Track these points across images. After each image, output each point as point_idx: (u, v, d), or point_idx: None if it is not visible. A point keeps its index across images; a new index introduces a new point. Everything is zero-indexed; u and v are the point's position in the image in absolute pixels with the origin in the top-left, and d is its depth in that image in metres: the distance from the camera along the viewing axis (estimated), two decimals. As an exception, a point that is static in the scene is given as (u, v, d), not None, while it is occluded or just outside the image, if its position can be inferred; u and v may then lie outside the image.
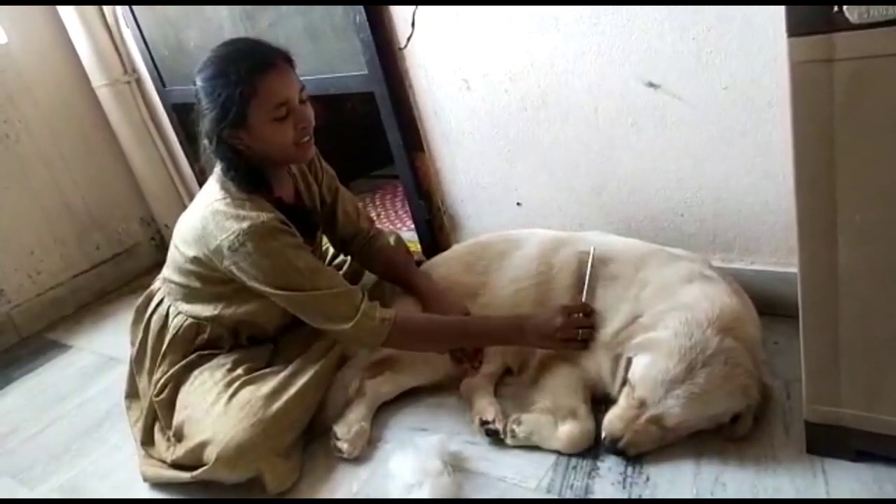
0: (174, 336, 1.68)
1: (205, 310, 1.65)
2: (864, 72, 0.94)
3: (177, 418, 1.60)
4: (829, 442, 1.26)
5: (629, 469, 1.36)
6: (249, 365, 1.65)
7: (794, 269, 1.14)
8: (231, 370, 1.62)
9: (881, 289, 1.07)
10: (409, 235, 2.34)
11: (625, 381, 1.38)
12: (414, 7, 1.92)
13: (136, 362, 1.78)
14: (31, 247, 2.81)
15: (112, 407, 2.04)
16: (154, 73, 2.80)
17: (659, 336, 1.33)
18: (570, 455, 1.43)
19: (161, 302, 1.74)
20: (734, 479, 1.28)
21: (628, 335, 1.40)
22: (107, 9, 2.79)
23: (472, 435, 1.55)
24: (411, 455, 1.46)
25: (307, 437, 1.64)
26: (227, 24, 2.35)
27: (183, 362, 1.67)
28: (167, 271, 1.71)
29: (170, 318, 1.70)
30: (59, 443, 1.96)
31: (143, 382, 1.75)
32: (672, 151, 1.71)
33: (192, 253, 1.57)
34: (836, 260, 1.08)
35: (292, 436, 1.56)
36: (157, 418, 1.68)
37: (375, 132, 2.23)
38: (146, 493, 1.64)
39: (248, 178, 1.53)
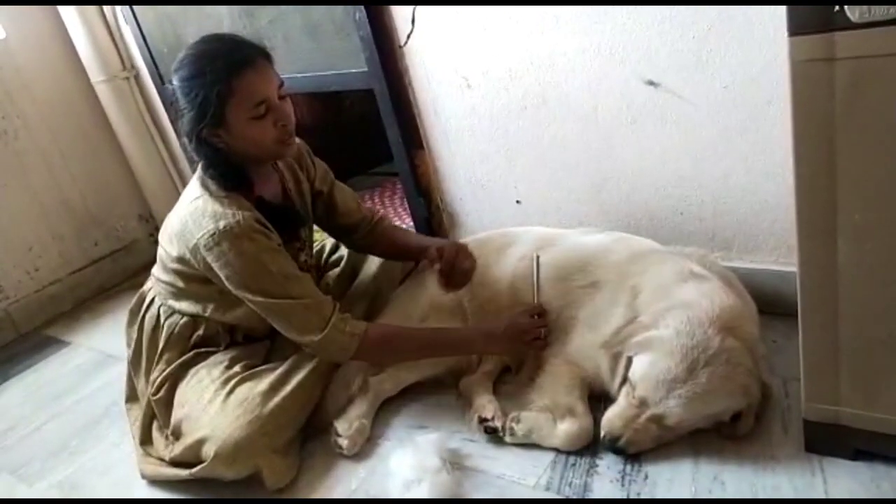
0: (170, 335, 1.68)
1: (194, 308, 1.65)
2: (865, 71, 0.94)
3: (174, 416, 1.60)
4: (827, 441, 1.26)
5: (628, 467, 1.36)
6: (246, 362, 1.65)
7: (794, 268, 1.14)
8: (228, 367, 1.62)
9: (880, 288, 1.07)
10: (408, 233, 2.34)
11: (625, 380, 1.38)
12: (414, 5, 1.91)
13: (133, 364, 1.77)
14: (29, 243, 2.80)
15: (110, 404, 2.04)
16: (153, 70, 2.79)
17: (660, 335, 1.33)
18: (568, 453, 1.43)
19: (153, 302, 1.74)
20: (733, 477, 1.29)
21: (628, 334, 1.40)
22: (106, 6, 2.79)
23: (471, 433, 1.55)
24: (410, 452, 1.46)
25: (306, 434, 1.64)
26: (226, 20, 2.35)
27: (180, 360, 1.66)
28: (156, 270, 1.71)
29: (162, 318, 1.69)
30: (57, 439, 1.96)
31: (140, 384, 1.75)
32: (672, 150, 1.71)
33: (174, 252, 1.57)
34: (836, 259, 1.08)
35: (290, 433, 1.56)
36: (155, 416, 1.68)
37: (375, 129, 2.23)
38: (145, 490, 1.64)
39: (228, 176, 1.51)
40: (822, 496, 1.21)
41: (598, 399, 1.51)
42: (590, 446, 1.43)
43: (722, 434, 1.37)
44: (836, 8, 0.91)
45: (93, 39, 2.79)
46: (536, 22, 1.74)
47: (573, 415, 1.44)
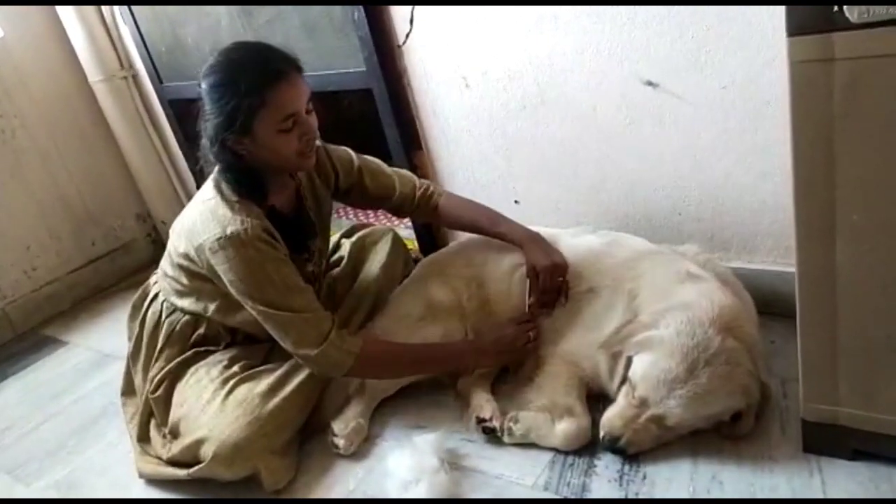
0: (171, 332, 1.68)
1: (196, 307, 1.65)
2: (864, 71, 0.94)
3: (173, 415, 1.60)
4: (825, 441, 1.26)
5: (626, 467, 1.36)
6: (246, 362, 1.64)
7: (792, 269, 1.14)
8: (227, 367, 1.62)
9: (879, 288, 1.08)
10: (407, 233, 2.34)
11: (624, 380, 1.38)
12: (413, 5, 1.91)
13: (132, 358, 1.78)
14: (26, 242, 2.80)
15: (108, 403, 2.04)
16: (151, 69, 2.79)
17: (661, 335, 1.33)
18: (566, 453, 1.43)
19: (156, 297, 1.74)
20: (731, 477, 1.29)
21: (628, 333, 1.40)
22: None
23: (469, 433, 1.55)
24: (408, 453, 1.46)
25: (304, 434, 1.63)
26: (224, 20, 2.35)
27: (179, 359, 1.66)
28: (164, 263, 1.71)
29: (164, 314, 1.70)
30: (54, 439, 1.96)
31: (138, 378, 1.75)
32: (670, 150, 1.71)
33: (181, 248, 1.57)
34: (834, 259, 1.08)
35: (288, 434, 1.56)
36: (153, 415, 1.68)
37: (373, 130, 2.22)
38: (142, 489, 1.64)
39: (244, 183, 1.51)
40: (821, 496, 1.21)
41: (595, 399, 1.51)
42: (588, 446, 1.43)
43: (721, 434, 1.37)
44: (835, 8, 0.91)
45: (91, 39, 2.79)
46: (535, 22, 1.74)
47: (571, 415, 1.44)
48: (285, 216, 1.61)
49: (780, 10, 0.96)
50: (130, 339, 1.79)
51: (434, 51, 1.97)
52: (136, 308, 1.80)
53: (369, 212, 2.87)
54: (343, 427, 1.58)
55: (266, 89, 1.38)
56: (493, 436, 1.50)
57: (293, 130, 1.43)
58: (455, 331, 1.71)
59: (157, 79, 2.81)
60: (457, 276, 1.78)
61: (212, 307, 1.63)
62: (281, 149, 1.45)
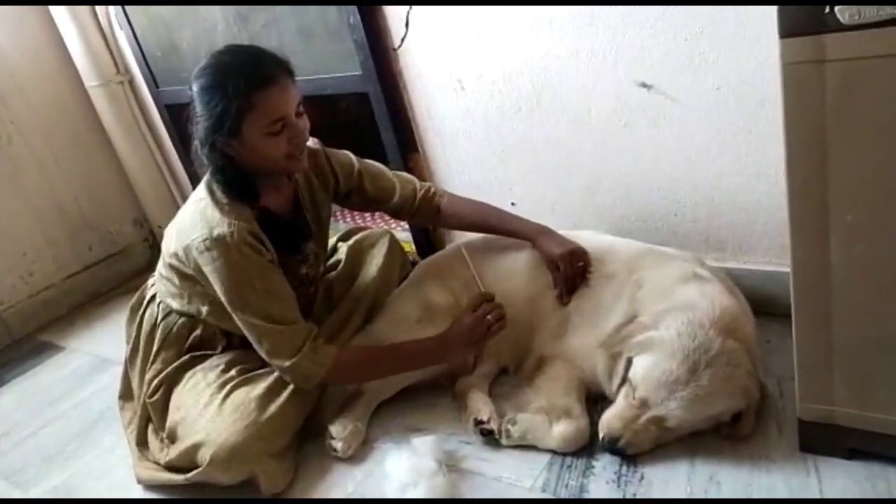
0: (167, 334, 1.69)
1: (191, 308, 1.66)
2: (856, 73, 0.94)
3: (170, 420, 1.60)
4: (822, 440, 1.26)
5: (624, 468, 1.37)
6: (243, 366, 1.64)
7: (787, 269, 1.15)
8: (224, 371, 1.62)
9: (873, 288, 1.08)
10: (404, 236, 2.34)
11: (624, 381, 1.38)
12: (408, 7, 1.92)
13: (130, 361, 1.78)
14: (23, 248, 2.80)
15: (105, 408, 2.04)
16: (147, 74, 2.79)
17: (661, 336, 1.33)
18: (564, 454, 1.43)
19: (153, 299, 1.75)
20: (728, 477, 1.29)
21: (628, 334, 1.40)
22: (99, 9, 2.78)
23: (468, 435, 1.55)
24: (406, 455, 1.46)
25: (302, 438, 1.63)
26: (220, 25, 2.35)
27: (176, 363, 1.67)
28: (159, 265, 1.71)
29: (160, 316, 1.70)
30: (52, 445, 1.95)
31: (135, 381, 1.75)
32: (665, 151, 1.71)
33: (172, 248, 1.58)
34: (829, 259, 1.08)
35: (286, 437, 1.56)
36: (151, 419, 1.68)
37: (370, 133, 2.23)
38: (140, 495, 1.64)
39: (234, 185, 1.51)
40: (817, 496, 1.21)
41: (594, 401, 1.51)
42: (586, 448, 1.43)
43: (721, 434, 1.37)
44: (827, 9, 0.91)
45: (87, 44, 2.79)
46: (530, 24, 1.75)
47: (569, 416, 1.44)
48: (279, 217, 1.61)
49: (772, 12, 0.96)
50: (128, 342, 1.79)
51: (429, 54, 1.97)
52: (133, 311, 1.80)
53: (366, 214, 2.87)
54: (341, 430, 1.58)
55: (254, 93, 1.39)
56: (490, 438, 1.50)
57: (282, 133, 1.44)
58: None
59: (153, 83, 2.81)
60: (454, 279, 1.78)
61: (204, 310, 1.63)
62: (269, 152, 1.45)
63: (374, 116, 2.15)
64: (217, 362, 1.65)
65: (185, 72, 2.55)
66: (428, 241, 2.32)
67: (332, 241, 2.01)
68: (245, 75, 1.39)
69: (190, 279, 1.59)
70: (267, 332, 1.49)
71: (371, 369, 1.63)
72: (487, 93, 1.93)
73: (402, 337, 1.66)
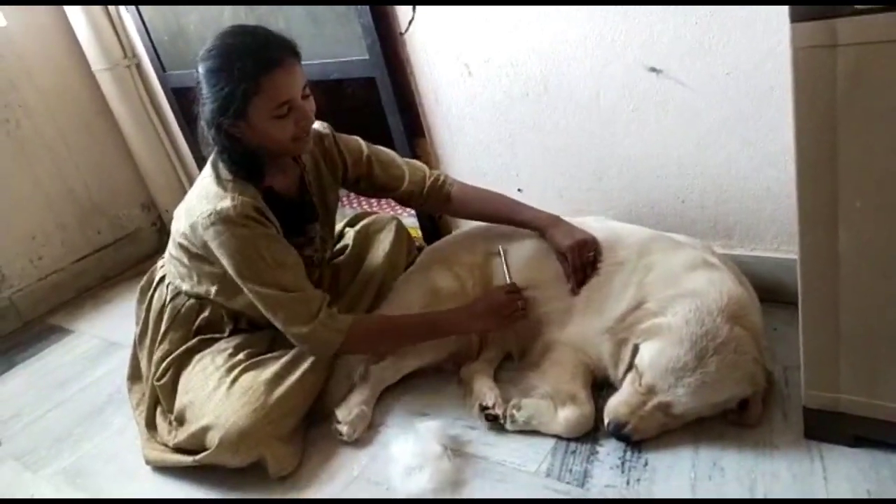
0: (175, 315, 1.70)
1: (199, 289, 1.67)
2: (867, 57, 0.93)
3: (178, 402, 1.62)
4: (827, 427, 1.26)
5: (628, 454, 1.37)
6: (251, 350, 1.65)
7: (795, 256, 1.14)
8: (232, 355, 1.63)
9: (881, 275, 1.07)
10: (411, 221, 2.34)
11: (630, 367, 1.38)
12: (415, -9, 1.91)
13: (139, 342, 1.80)
14: (32, 231, 2.81)
15: (114, 391, 2.06)
16: (154, 58, 2.79)
17: (669, 322, 1.33)
18: (569, 439, 1.43)
19: (162, 280, 1.76)
20: (732, 463, 1.29)
21: (635, 320, 1.40)
22: (107, -7, 2.78)
23: (472, 420, 1.56)
24: (412, 439, 1.47)
25: (308, 422, 1.64)
26: (227, 9, 2.34)
27: (184, 347, 1.68)
28: (169, 246, 1.72)
29: (169, 297, 1.72)
30: (61, 427, 1.97)
31: (144, 362, 1.77)
32: (673, 137, 1.70)
33: (181, 227, 1.59)
34: (837, 246, 1.08)
35: (294, 421, 1.57)
36: (160, 402, 1.70)
37: (376, 117, 2.22)
38: (149, 476, 1.65)
39: (240, 164, 1.52)
40: (822, 483, 1.21)
41: (598, 387, 1.51)
42: (590, 433, 1.43)
43: (728, 420, 1.37)
44: (840, -7, 0.90)
45: (94, 27, 2.79)
46: (538, 9, 1.73)
47: (574, 402, 1.44)
48: (283, 198, 1.62)
49: (783, -5, 0.95)
50: (138, 322, 1.81)
51: (436, 38, 1.96)
52: (143, 292, 1.82)
53: (373, 200, 2.87)
54: (347, 414, 1.59)
55: (261, 76, 1.39)
56: (495, 423, 1.51)
57: (288, 116, 1.44)
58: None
59: (160, 67, 2.80)
60: (461, 264, 1.78)
61: (213, 290, 1.64)
62: (275, 134, 1.46)
63: (381, 101, 2.14)
64: (225, 346, 1.66)
65: (192, 55, 2.54)
66: (434, 227, 2.32)
67: (339, 226, 2.01)
68: (251, 58, 1.39)
69: (198, 258, 1.59)
70: (281, 302, 1.50)
71: (391, 337, 1.63)
72: (495, 77, 1.92)
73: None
